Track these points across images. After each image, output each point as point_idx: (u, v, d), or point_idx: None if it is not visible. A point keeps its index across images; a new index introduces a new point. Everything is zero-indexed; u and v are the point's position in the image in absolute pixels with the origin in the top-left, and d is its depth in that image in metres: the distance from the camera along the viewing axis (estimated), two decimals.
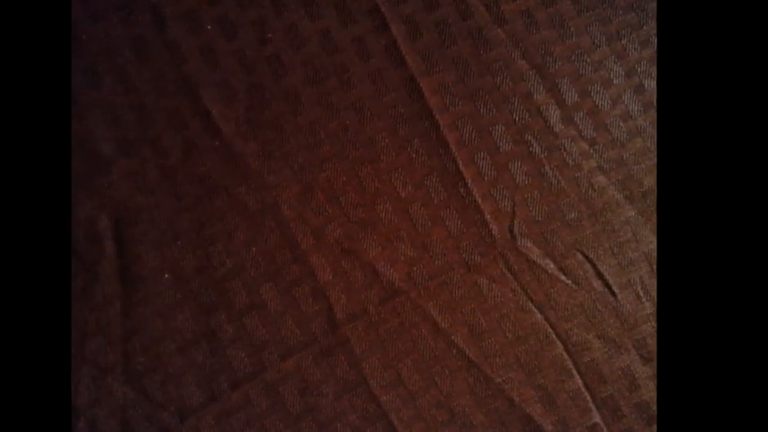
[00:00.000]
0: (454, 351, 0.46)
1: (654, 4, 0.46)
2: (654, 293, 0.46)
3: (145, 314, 0.45)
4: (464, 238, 0.46)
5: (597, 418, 0.46)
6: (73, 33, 0.46)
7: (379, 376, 0.46)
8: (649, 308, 0.46)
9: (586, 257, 0.46)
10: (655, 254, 0.46)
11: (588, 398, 0.46)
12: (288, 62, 0.46)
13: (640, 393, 0.46)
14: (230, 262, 0.46)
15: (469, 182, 0.46)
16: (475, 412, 0.46)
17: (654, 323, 0.46)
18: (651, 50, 0.46)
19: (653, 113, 0.46)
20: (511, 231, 0.46)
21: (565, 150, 0.46)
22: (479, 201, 0.46)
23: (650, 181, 0.46)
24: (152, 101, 0.46)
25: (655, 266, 0.46)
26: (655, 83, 0.46)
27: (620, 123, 0.46)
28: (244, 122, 0.46)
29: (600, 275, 0.46)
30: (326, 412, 0.46)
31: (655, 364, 0.46)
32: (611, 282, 0.46)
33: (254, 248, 0.46)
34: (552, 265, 0.46)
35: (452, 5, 0.46)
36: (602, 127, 0.46)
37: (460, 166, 0.46)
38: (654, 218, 0.46)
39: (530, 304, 0.46)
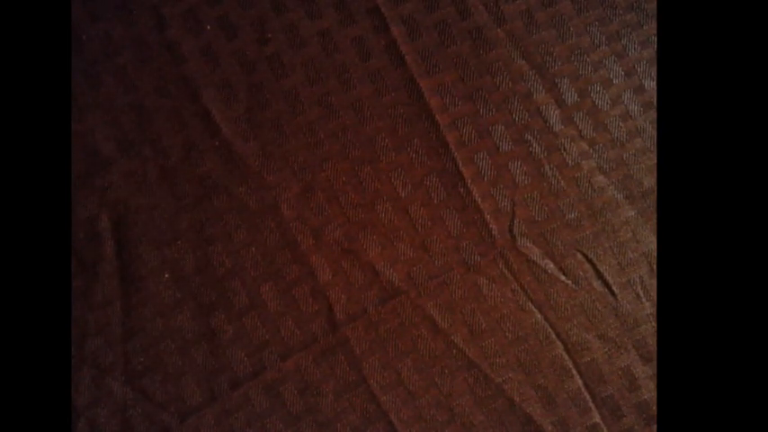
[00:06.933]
0: (454, 351, 0.46)
1: (654, 4, 0.46)
2: (654, 293, 0.46)
3: (145, 314, 0.45)
4: (464, 238, 0.46)
5: (597, 418, 0.46)
6: (73, 33, 0.46)
7: (378, 376, 0.46)
8: (649, 308, 0.46)
9: (586, 257, 0.46)
10: (655, 254, 0.46)
11: (588, 398, 0.46)
12: (288, 62, 0.46)
13: (640, 393, 0.46)
14: (230, 262, 0.46)
15: (469, 182, 0.46)
16: (475, 412, 0.46)
17: (654, 323, 0.46)
18: (651, 50, 0.46)
19: (653, 113, 0.46)
20: (511, 231, 0.46)
21: (564, 150, 0.46)
22: (479, 201, 0.46)
23: (650, 181, 0.46)
24: (152, 101, 0.46)
25: (655, 266, 0.46)
26: (655, 83, 0.46)
27: (620, 123, 0.46)
28: (244, 122, 0.46)
29: (600, 275, 0.46)
30: (326, 412, 0.46)
31: (655, 364, 0.46)
32: (611, 282, 0.46)
33: (253, 248, 0.46)
34: (552, 265, 0.46)
35: (452, 5, 0.46)
36: (601, 127, 0.46)
37: (460, 166, 0.46)
38: (654, 218, 0.46)
39: (529, 304, 0.46)
